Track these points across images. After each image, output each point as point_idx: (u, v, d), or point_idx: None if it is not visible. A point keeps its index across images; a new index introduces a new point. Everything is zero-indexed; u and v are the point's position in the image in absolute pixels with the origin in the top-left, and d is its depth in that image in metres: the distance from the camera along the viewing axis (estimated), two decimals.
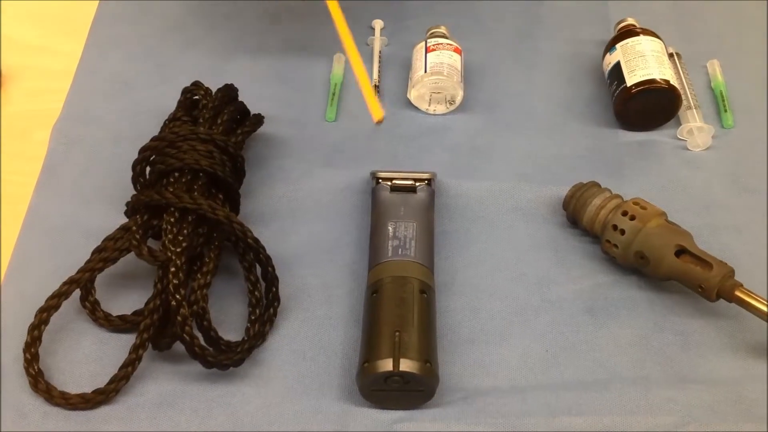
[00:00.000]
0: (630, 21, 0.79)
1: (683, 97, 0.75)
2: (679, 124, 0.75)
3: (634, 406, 0.58)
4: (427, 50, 0.76)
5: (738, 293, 0.59)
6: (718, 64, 0.80)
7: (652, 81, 0.73)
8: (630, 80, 0.73)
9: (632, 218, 0.63)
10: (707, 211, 0.69)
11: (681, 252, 0.62)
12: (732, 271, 0.60)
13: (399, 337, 0.56)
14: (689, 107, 0.75)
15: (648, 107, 0.74)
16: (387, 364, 0.55)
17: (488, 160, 0.73)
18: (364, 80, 0.63)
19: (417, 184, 0.67)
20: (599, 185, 0.68)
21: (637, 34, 0.76)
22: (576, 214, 0.67)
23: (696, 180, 0.72)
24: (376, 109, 0.63)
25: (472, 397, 0.58)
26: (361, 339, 0.59)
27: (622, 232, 0.63)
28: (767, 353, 0.60)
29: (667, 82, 0.73)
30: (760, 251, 0.67)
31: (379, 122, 0.63)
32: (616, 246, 0.64)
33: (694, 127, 0.74)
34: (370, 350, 0.56)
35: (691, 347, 0.61)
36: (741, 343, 0.61)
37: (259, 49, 0.82)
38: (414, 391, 0.56)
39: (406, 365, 0.55)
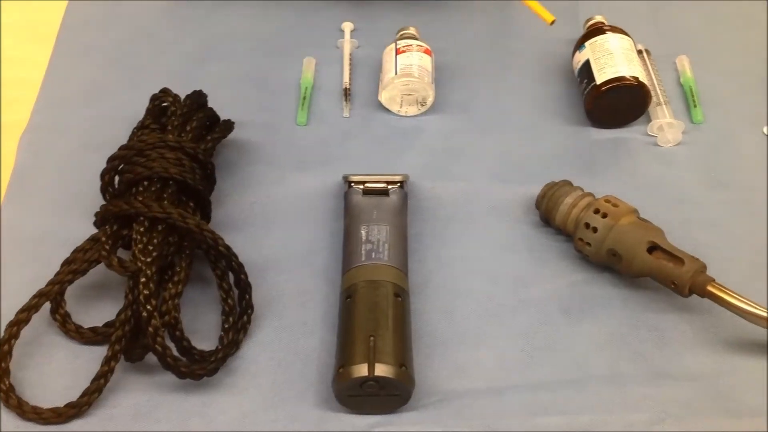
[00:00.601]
0: (599, 19, 0.80)
1: (653, 93, 0.75)
2: (649, 120, 0.75)
3: (611, 404, 0.58)
4: (397, 52, 0.76)
5: (710, 288, 0.60)
6: (687, 60, 0.80)
7: (621, 78, 0.73)
8: (599, 78, 0.73)
9: (604, 216, 0.64)
10: (679, 206, 0.70)
11: (653, 248, 0.62)
12: (704, 267, 0.61)
13: (374, 342, 0.56)
14: (659, 103, 0.75)
15: (618, 104, 0.74)
16: (362, 370, 0.54)
17: (461, 160, 0.73)
18: None
19: (389, 186, 0.67)
20: (571, 184, 0.68)
21: (605, 31, 0.77)
22: (548, 213, 0.67)
23: (667, 176, 0.72)
24: (546, 13, 0.72)
25: (448, 399, 0.58)
26: (336, 344, 0.58)
27: (595, 230, 0.64)
28: None
29: (636, 79, 0.73)
30: (732, 245, 0.67)
31: (553, 22, 0.72)
32: (588, 244, 0.64)
33: (664, 123, 0.74)
34: (345, 356, 0.56)
35: (665, 343, 0.61)
36: (715, 337, 0.61)
37: (228, 55, 0.81)
38: (390, 396, 0.56)
39: (381, 370, 0.54)
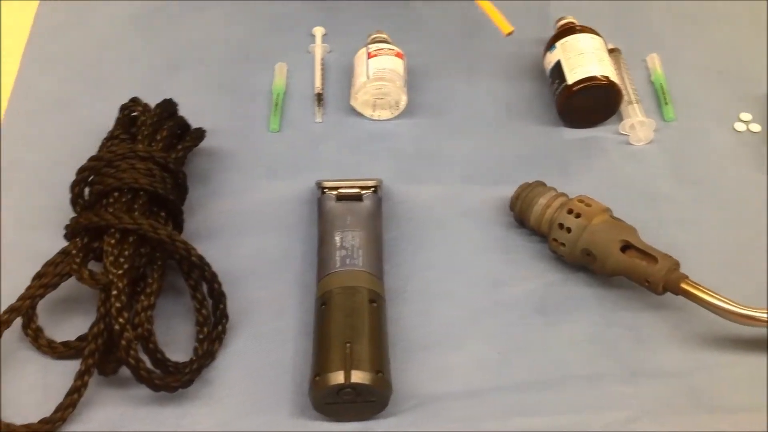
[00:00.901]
0: (569, 19, 0.80)
1: (624, 92, 0.75)
2: (621, 119, 0.75)
3: (588, 403, 0.58)
4: (368, 56, 0.76)
5: (684, 285, 0.60)
6: (657, 58, 0.81)
7: (592, 78, 0.73)
8: (571, 78, 0.73)
9: (577, 216, 0.64)
10: (652, 204, 0.70)
11: (626, 247, 0.62)
12: (677, 264, 0.61)
13: (350, 349, 0.55)
14: (630, 102, 0.76)
15: (590, 104, 0.74)
16: (338, 377, 0.54)
17: (435, 163, 0.73)
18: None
19: (363, 192, 0.67)
20: (545, 184, 0.68)
21: (576, 31, 0.77)
22: (523, 214, 0.67)
23: (640, 174, 0.72)
24: (503, 24, 0.71)
25: (426, 403, 0.58)
26: (312, 352, 0.58)
27: (569, 230, 0.64)
28: None
29: (607, 78, 0.73)
30: (704, 242, 0.67)
31: (510, 34, 0.71)
32: (563, 244, 0.64)
33: (636, 121, 0.74)
34: (321, 363, 0.56)
35: (641, 341, 0.61)
36: (689, 334, 0.62)
37: (199, 62, 0.81)
38: (367, 402, 0.56)
39: (358, 377, 0.54)
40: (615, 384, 0.59)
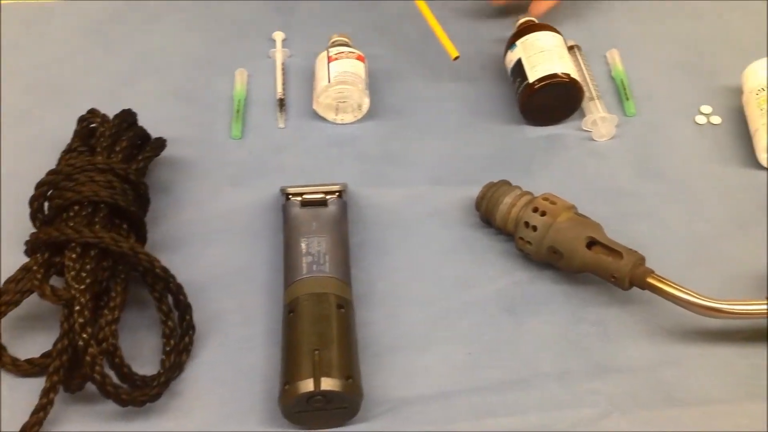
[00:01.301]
0: (529, 17, 0.80)
1: (585, 88, 0.76)
2: (583, 115, 0.76)
3: (558, 401, 0.58)
4: (329, 59, 0.75)
5: (650, 280, 0.60)
6: (617, 54, 0.81)
7: (553, 76, 0.73)
8: (532, 76, 0.74)
9: (543, 214, 0.64)
10: (615, 199, 0.70)
11: (592, 244, 0.62)
12: (642, 259, 0.61)
13: (319, 356, 0.55)
14: (592, 98, 0.76)
15: (551, 102, 0.74)
16: (308, 385, 0.54)
17: (399, 166, 0.73)
18: (435, 23, 0.73)
19: (328, 197, 0.66)
20: (509, 183, 0.68)
21: (536, 29, 0.77)
22: (488, 214, 0.67)
23: (603, 170, 0.73)
24: (451, 48, 0.72)
25: (397, 407, 0.58)
26: (280, 360, 0.58)
27: (534, 228, 0.64)
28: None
29: (568, 75, 0.73)
30: (668, 235, 0.68)
31: (456, 58, 0.72)
32: (529, 243, 0.64)
33: (598, 117, 0.75)
34: (290, 372, 0.55)
35: (609, 337, 0.62)
36: (656, 328, 0.62)
37: (158, 71, 0.80)
38: (339, 409, 0.55)
39: (328, 384, 0.54)
40: (584, 381, 0.59)
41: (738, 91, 0.77)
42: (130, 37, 0.83)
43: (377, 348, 0.61)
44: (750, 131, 0.74)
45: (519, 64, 0.75)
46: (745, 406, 0.57)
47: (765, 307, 0.58)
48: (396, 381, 0.59)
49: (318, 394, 0.54)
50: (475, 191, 0.68)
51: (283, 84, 0.78)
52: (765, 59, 0.75)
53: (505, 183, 0.68)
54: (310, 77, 0.78)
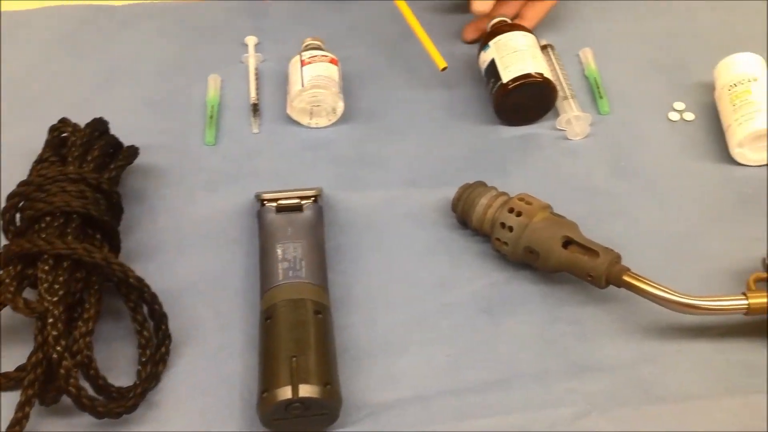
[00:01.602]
0: (502, 17, 0.80)
1: (559, 87, 0.76)
2: (557, 115, 0.76)
3: (537, 401, 0.58)
4: (302, 63, 0.75)
5: (626, 278, 0.60)
6: (590, 52, 0.81)
7: (527, 75, 0.73)
8: (506, 76, 0.74)
9: (518, 214, 0.64)
10: (591, 198, 0.71)
11: (568, 243, 0.62)
12: (618, 257, 0.61)
13: (296, 363, 0.55)
14: (566, 97, 0.76)
15: (525, 102, 0.74)
16: (286, 392, 0.53)
17: (375, 169, 0.73)
18: (422, 33, 0.74)
19: (303, 202, 0.66)
20: (485, 184, 0.68)
21: (509, 29, 0.77)
22: (465, 215, 0.67)
23: (578, 168, 0.73)
24: (439, 58, 0.73)
25: (377, 412, 0.58)
26: (258, 367, 0.57)
27: (510, 229, 0.64)
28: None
29: (541, 75, 0.73)
30: (643, 233, 0.68)
31: (444, 69, 0.73)
32: (505, 243, 0.64)
33: (572, 116, 0.75)
34: (267, 379, 0.55)
35: (587, 335, 0.62)
36: (634, 326, 0.62)
37: (130, 79, 0.79)
38: (317, 415, 0.55)
39: (306, 390, 0.53)
40: (563, 380, 0.59)
41: (710, 87, 0.77)
42: (101, 45, 0.82)
43: (355, 352, 0.61)
44: (723, 127, 0.74)
45: (492, 64, 0.75)
46: (723, 401, 0.58)
47: (741, 302, 0.59)
48: (375, 385, 0.59)
49: (296, 401, 0.53)
50: (451, 192, 0.68)
51: (257, 89, 0.78)
52: (736, 55, 0.75)
53: (480, 184, 0.68)
54: (283, 81, 0.78)
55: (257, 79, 0.79)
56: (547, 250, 0.62)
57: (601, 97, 0.78)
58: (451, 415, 0.58)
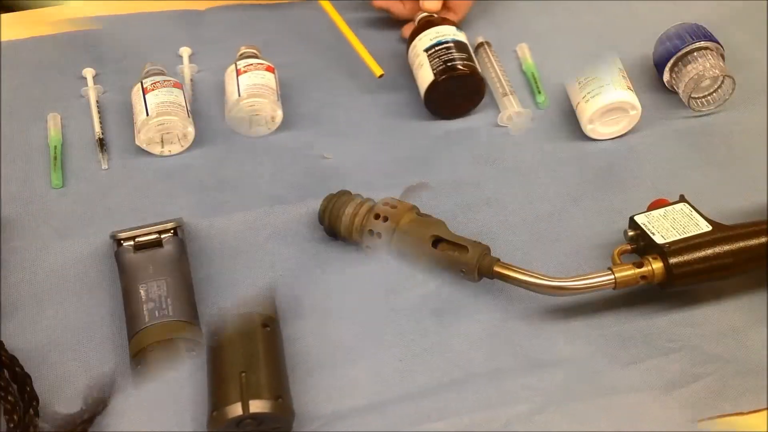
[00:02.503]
0: (428, 12, 0.79)
1: (498, 84, 0.76)
2: (498, 111, 0.76)
3: (492, 400, 0.58)
4: (144, 91, 0.72)
5: (496, 269, 0.61)
6: (526, 48, 0.81)
7: (454, 68, 0.73)
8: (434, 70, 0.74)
9: (385, 219, 0.63)
10: (457, 191, 0.70)
11: (437, 242, 0.62)
12: (487, 249, 0.62)
13: (246, 378, 0.53)
14: (505, 94, 0.76)
15: (455, 94, 0.74)
16: (236, 409, 0.52)
17: (235, 190, 0.71)
18: (356, 42, 0.75)
19: (162, 236, 0.63)
20: (350, 192, 0.67)
21: (435, 24, 0.77)
22: (333, 226, 0.66)
23: (516, 158, 0.73)
24: (375, 66, 0.74)
25: (331, 422, 0.56)
26: (207, 388, 0.55)
27: (379, 235, 0.63)
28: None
29: (469, 67, 0.73)
30: (510, 219, 0.69)
31: (381, 77, 0.74)
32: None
33: (513, 112, 0.74)
34: (216, 398, 0.53)
35: (537, 330, 0.61)
36: (513, 314, 0.62)
37: None
38: (271, 430, 0.54)
39: (256, 406, 0.52)
40: (516, 377, 0.59)
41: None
42: None
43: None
44: (572, 105, 0.76)
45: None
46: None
47: (608, 277, 0.60)
48: (328, 395, 0.58)
49: (247, 417, 0.52)
50: (316, 204, 0.67)
51: (101, 122, 0.74)
52: None
53: (344, 193, 0.67)
54: (128, 111, 0.75)
55: (100, 112, 0.75)
56: (418, 251, 0.62)
57: (539, 92, 0.77)
58: (406, 421, 0.57)
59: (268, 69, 0.75)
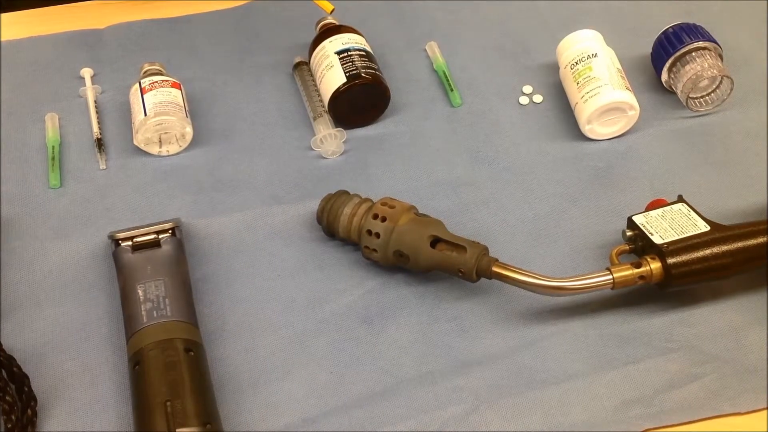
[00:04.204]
0: (330, 19, 0.79)
1: (310, 107, 0.75)
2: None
3: (425, 404, 0.58)
4: (142, 91, 0.72)
5: (495, 269, 0.61)
6: (436, 46, 0.81)
7: (357, 76, 0.73)
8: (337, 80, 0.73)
9: (383, 220, 0.63)
10: (455, 191, 0.71)
11: (435, 242, 0.62)
12: (485, 249, 0.62)
13: (171, 407, 0.52)
14: (315, 117, 0.74)
15: (359, 103, 0.74)
16: None
17: (233, 190, 0.71)
18: None
19: (160, 236, 0.63)
20: (348, 193, 0.67)
21: (338, 32, 0.76)
22: (331, 226, 0.66)
23: (438, 164, 0.73)
24: (325, 3, 0.75)
25: None
26: (132, 418, 0.54)
27: (377, 235, 0.63)
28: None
29: (372, 74, 0.73)
30: (508, 219, 0.69)
31: (332, 12, 0.76)
32: (375, 250, 0.64)
33: (326, 134, 0.72)
34: (143, 428, 0.52)
35: (466, 331, 0.62)
36: (510, 313, 0.63)
37: None
38: None
39: None
40: (448, 379, 0.59)
41: (555, 67, 0.79)
42: None
43: (235, 384, 0.59)
44: (571, 105, 0.76)
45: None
46: (602, 376, 0.59)
47: (606, 278, 0.60)
48: (260, 414, 0.57)
49: None
50: (314, 205, 0.67)
51: (99, 122, 0.74)
52: (573, 33, 0.77)
53: (343, 193, 0.67)
54: (127, 111, 0.75)
55: (98, 112, 0.75)
56: (416, 251, 0.62)
57: (452, 90, 0.78)
58: None
59: (174, 85, 0.73)
